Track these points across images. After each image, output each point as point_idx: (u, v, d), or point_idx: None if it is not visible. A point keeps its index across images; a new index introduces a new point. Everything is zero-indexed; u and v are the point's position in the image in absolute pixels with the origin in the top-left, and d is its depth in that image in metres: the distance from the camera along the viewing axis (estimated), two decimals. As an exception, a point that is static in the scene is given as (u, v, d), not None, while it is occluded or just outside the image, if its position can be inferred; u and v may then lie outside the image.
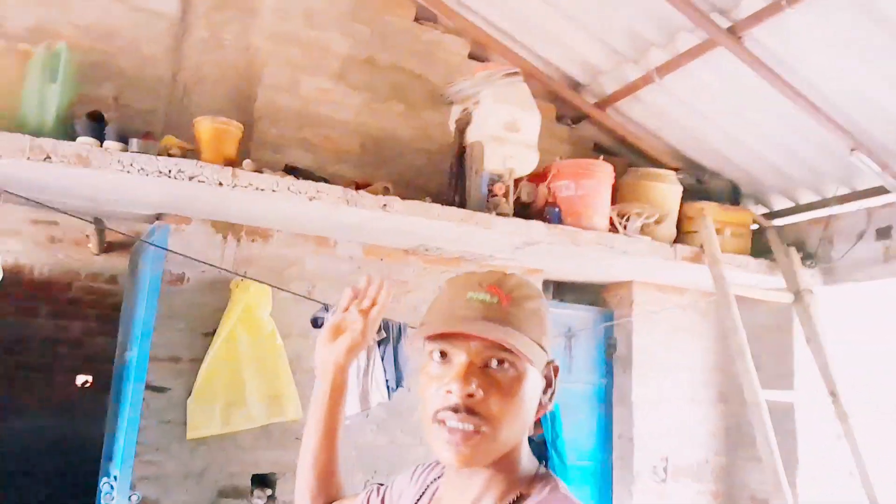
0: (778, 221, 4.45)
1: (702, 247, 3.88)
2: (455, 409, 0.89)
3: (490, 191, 3.41)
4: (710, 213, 3.95)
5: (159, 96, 3.31)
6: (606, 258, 3.68)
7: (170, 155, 2.64)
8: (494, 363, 0.91)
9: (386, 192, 3.19)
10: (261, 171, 2.78)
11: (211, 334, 3.13)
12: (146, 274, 2.65)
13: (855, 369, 3.93)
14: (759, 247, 4.23)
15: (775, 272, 4.06)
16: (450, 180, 3.66)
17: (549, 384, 0.99)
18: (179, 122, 3.25)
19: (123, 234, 3.15)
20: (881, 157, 3.60)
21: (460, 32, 4.05)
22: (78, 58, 3.05)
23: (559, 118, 4.41)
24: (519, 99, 3.60)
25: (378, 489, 1.20)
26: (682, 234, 4.09)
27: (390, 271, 3.64)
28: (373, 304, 1.20)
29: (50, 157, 2.44)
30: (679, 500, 4.37)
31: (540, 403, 0.98)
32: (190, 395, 3.04)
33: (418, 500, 1.10)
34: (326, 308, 2.98)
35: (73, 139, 2.55)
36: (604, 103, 4.20)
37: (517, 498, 0.94)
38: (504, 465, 0.95)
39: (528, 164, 3.56)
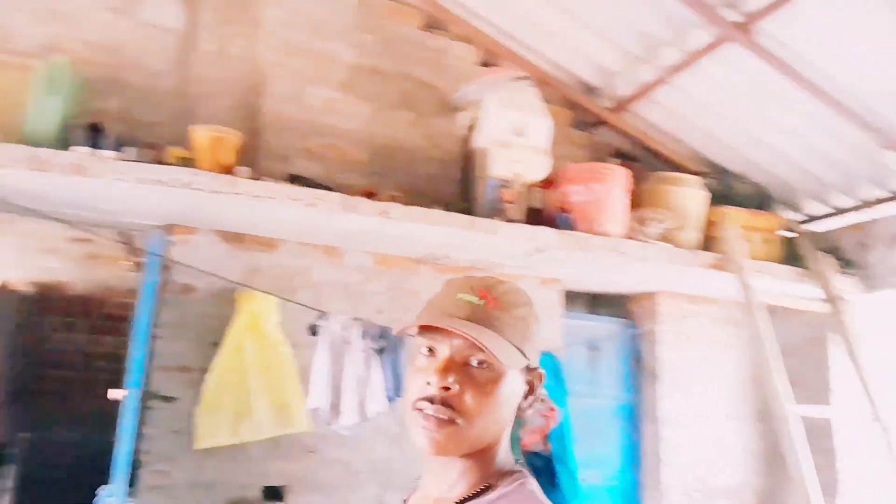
0: (811, 227, 4.23)
1: (728, 253, 3.71)
2: (431, 400, 0.95)
3: (498, 197, 3.34)
4: (733, 219, 3.78)
5: (166, 109, 3.36)
6: (620, 265, 3.55)
7: (165, 163, 2.66)
8: (475, 361, 0.97)
9: (393, 200, 3.16)
10: (258, 179, 2.78)
11: (219, 344, 3.13)
12: (146, 282, 2.67)
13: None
14: (792, 254, 4.02)
15: (807, 280, 3.84)
16: (459, 187, 3.61)
17: (531, 390, 1.03)
18: (186, 134, 3.30)
19: (129, 243, 3.19)
20: (915, 152, 3.40)
21: (469, 40, 4.02)
22: (86, 72, 3.13)
23: (576, 124, 4.32)
24: (526, 103, 3.54)
25: None
26: (708, 241, 3.93)
27: (399, 281, 3.59)
28: None
29: (47, 167, 2.49)
30: (713, 522, 4.14)
31: (519, 407, 1.02)
32: (198, 404, 3.04)
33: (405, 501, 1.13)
34: (324, 315, 2.94)
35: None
36: (619, 107, 4.10)
37: (485, 488, 0.99)
38: (480, 458, 1.00)
39: (537, 169, 3.48)
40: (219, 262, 3.25)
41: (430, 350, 0.99)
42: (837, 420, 3.88)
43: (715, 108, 3.79)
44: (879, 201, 3.84)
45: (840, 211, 4.08)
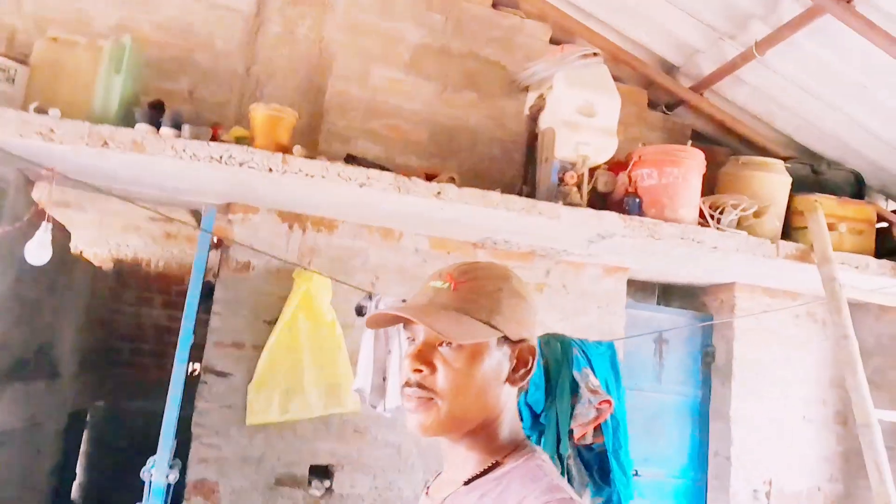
0: (911, 217, 3.86)
1: (812, 245, 3.43)
2: (408, 384, 1.01)
3: (561, 179, 3.19)
4: (821, 207, 3.48)
5: (232, 89, 3.38)
6: (693, 254, 3.34)
7: (221, 141, 2.66)
8: (445, 343, 0.99)
9: (451, 182, 3.07)
10: (313, 158, 2.75)
11: (274, 322, 3.15)
12: (196, 259, 2.70)
13: None
14: (887, 246, 3.68)
15: (902, 275, 3.51)
16: (521, 170, 3.48)
17: (521, 363, 1.04)
18: (239, 114, 3.32)
19: (183, 222, 3.24)
20: None
21: (542, 17, 3.86)
22: (155, 53, 3.20)
23: (652, 104, 4.09)
24: (596, 81, 3.35)
25: None
26: (791, 231, 3.65)
27: (457, 265, 3.51)
28: None
29: (107, 143, 2.54)
30: (784, 529, 3.89)
31: (512, 381, 1.03)
32: (251, 381, 3.07)
33: (426, 489, 1.17)
34: (370, 296, 2.90)
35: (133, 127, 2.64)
36: (701, 86, 3.84)
37: (492, 465, 1.01)
38: (480, 436, 1.02)
39: (605, 151, 3.30)
40: (277, 241, 3.27)
41: (413, 340, 1.04)
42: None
43: (806, 86, 3.48)
44: None
45: (945, 201, 3.70)
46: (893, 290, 3.54)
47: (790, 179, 3.66)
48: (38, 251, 2.40)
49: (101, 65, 2.76)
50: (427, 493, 1.13)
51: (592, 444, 2.75)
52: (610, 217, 3.11)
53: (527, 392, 3.00)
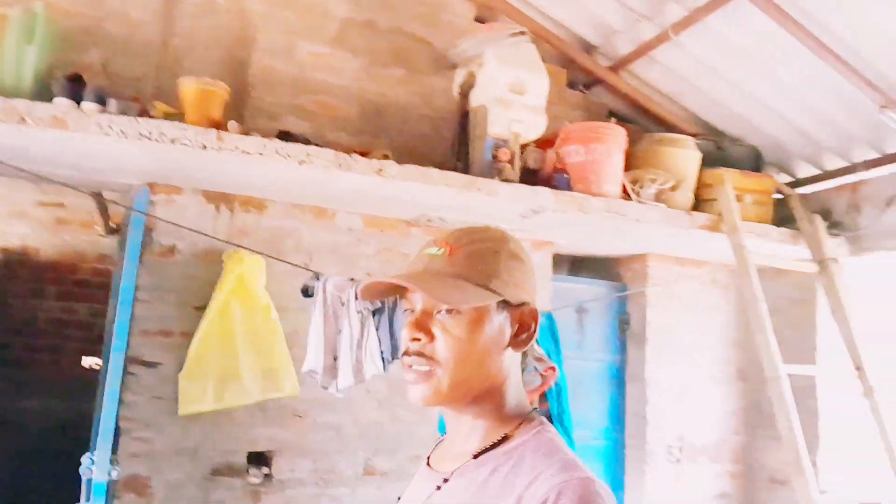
0: (802, 190, 4.22)
1: (720, 214, 3.68)
2: (407, 353, 0.99)
3: (494, 156, 3.24)
4: (729, 180, 3.74)
5: (149, 62, 3.17)
6: (618, 227, 3.50)
7: (150, 117, 2.50)
8: (443, 311, 0.97)
9: (385, 159, 3.04)
10: (248, 134, 2.64)
11: (203, 308, 3.02)
12: (130, 242, 2.53)
13: (881, 343, 3.72)
14: (782, 215, 4.01)
15: (798, 241, 3.84)
16: (452, 147, 3.50)
17: (522, 328, 1.02)
18: (171, 88, 3.12)
19: (117, 202, 3.03)
20: (914, 115, 3.37)
21: (465, -8, 3.87)
22: (65, 23, 2.94)
23: (571, 84, 4.21)
24: (525, 60, 3.42)
25: None
26: (700, 203, 3.89)
27: (390, 243, 3.50)
28: None
29: (25, 120, 2.33)
30: (695, 480, 4.20)
31: (515, 345, 1.01)
32: (181, 370, 2.94)
33: (427, 459, 1.14)
34: (317, 277, 2.84)
35: (51, 101, 2.43)
36: (617, 66, 3.99)
37: (502, 438, 0.98)
38: (486, 406, 1.00)
39: (535, 129, 3.38)
40: (204, 223, 3.11)
41: (411, 310, 1.02)
42: (821, 379, 3.93)
43: (716, 67, 3.70)
44: (872, 163, 3.82)
45: (832, 173, 4.06)
46: (789, 255, 3.87)
47: (700, 155, 3.89)
48: None
49: (6, 34, 2.50)
50: (428, 463, 1.10)
51: (538, 410, 2.84)
52: (543, 192, 3.20)
53: None
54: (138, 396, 2.94)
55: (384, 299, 1.09)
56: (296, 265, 2.99)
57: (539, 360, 2.77)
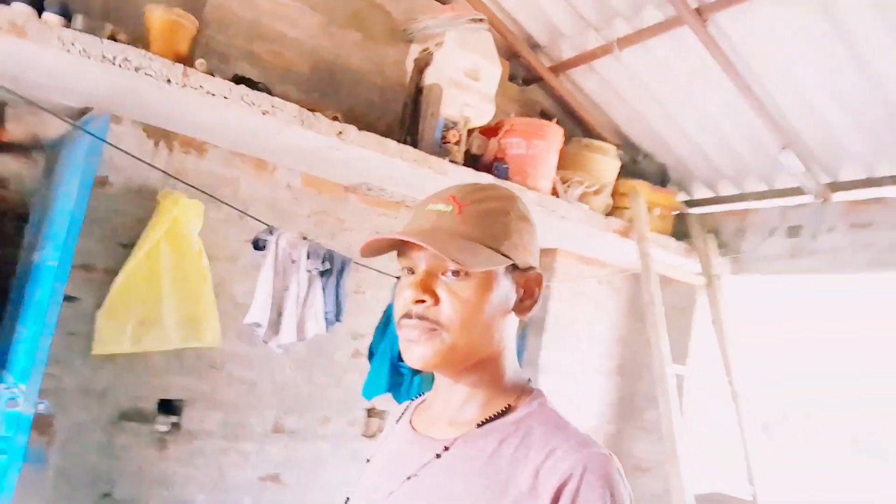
0: (696, 209, 4.65)
1: (631, 221, 3.99)
2: (409, 315, 0.94)
3: (443, 137, 3.33)
4: (643, 192, 4.06)
5: (99, -21, 2.94)
6: (545, 221, 3.70)
7: (117, 40, 2.36)
8: (450, 271, 0.93)
9: (335, 121, 3.03)
10: (213, 75, 2.55)
11: (129, 246, 2.88)
12: (76, 170, 2.37)
13: (749, 354, 4.22)
14: (679, 230, 4.41)
15: (691, 256, 4.26)
16: (402, 120, 3.54)
17: (527, 294, 0.99)
18: (122, 12, 2.93)
19: (75, 124, 2.80)
20: (806, 159, 3.82)
21: (426, -31, 3.89)
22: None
23: (511, 77, 4.36)
24: (482, 48, 3.52)
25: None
26: (613, 210, 4.19)
27: (327, 206, 3.49)
28: None
29: (-26, 19, 2.11)
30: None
31: (517, 312, 0.99)
32: (101, 307, 2.80)
33: (398, 420, 1.11)
34: (271, 231, 2.81)
35: (6, 4, 2.22)
36: (558, 68, 4.19)
37: (505, 409, 0.96)
38: (485, 374, 0.98)
39: (483, 115, 3.50)
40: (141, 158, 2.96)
41: (410, 270, 0.97)
42: (690, 380, 4.39)
43: (647, 86, 3.99)
44: (761, 195, 4.30)
45: (725, 198, 4.52)
46: (683, 266, 4.28)
47: (619, 164, 4.19)
48: None
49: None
50: (414, 425, 1.05)
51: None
52: (487, 179, 3.33)
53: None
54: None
55: (379, 255, 1.00)
56: (257, 220, 2.92)
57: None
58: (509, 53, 4.25)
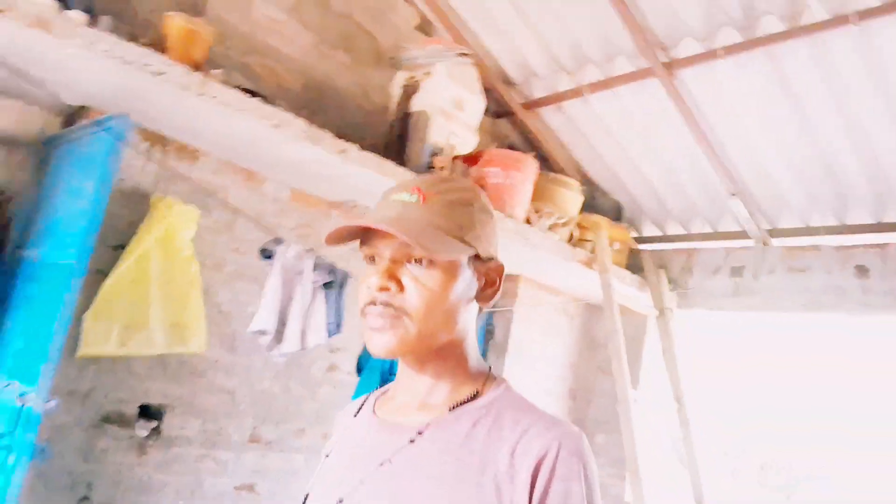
0: (645, 246, 4.97)
1: (593, 251, 4.25)
2: (373, 303, 0.95)
3: (430, 162, 3.48)
4: (605, 227, 4.33)
5: (103, -21, 2.97)
6: (517, 248, 3.90)
7: (137, 43, 2.41)
8: (413, 260, 0.94)
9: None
10: (241, 89, 2.63)
11: (120, 247, 2.88)
12: (91, 169, 2.38)
13: (695, 383, 4.53)
14: (632, 263, 4.71)
15: (644, 289, 4.55)
16: (387, 143, 3.67)
17: (489, 283, 1.01)
18: (123, 12, 2.96)
19: (105, 130, 2.77)
20: (750, 206, 4.20)
21: (411, 1, 4.08)
22: None
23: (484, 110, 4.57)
24: (468, 81, 3.72)
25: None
26: (575, 241, 4.44)
27: (311, 220, 3.57)
28: None
29: (4, 11, 2.13)
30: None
31: (477, 300, 1.01)
32: (88, 308, 2.77)
33: (356, 414, 1.10)
34: (279, 241, 2.87)
35: (32, -3, 2.24)
36: (529, 105, 4.44)
37: (474, 394, 0.98)
38: (449, 360, 0.99)
39: (467, 144, 3.69)
40: (133, 161, 2.97)
41: (372, 258, 0.98)
42: (644, 405, 4.65)
43: (609, 127, 4.29)
44: (706, 236, 4.66)
45: (671, 237, 4.86)
46: (637, 298, 4.57)
47: (582, 199, 4.46)
48: None
49: None
50: (378, 414, 1.05)
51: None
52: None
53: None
54: (31, 329, 2.71)
55: (344, 243, 1.00)
56: (262, 226, 2.97)
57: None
58: (483, 87, 4.47)
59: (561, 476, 0.87)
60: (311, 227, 3.56)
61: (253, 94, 2.89)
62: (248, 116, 2.64)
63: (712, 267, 4.59)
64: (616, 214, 4.90)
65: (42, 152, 2.86)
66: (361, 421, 1.07)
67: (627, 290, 4.49)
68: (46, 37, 2.22)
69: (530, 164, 3.89)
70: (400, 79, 3.81)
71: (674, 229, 4.86)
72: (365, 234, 0.98)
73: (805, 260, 4.17)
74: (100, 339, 2.79)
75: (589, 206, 4.71)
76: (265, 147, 2.95)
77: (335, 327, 2.88)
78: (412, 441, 0.96)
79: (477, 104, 3.73)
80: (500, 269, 1.02)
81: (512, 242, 3.77)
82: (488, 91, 4.48)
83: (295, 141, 2.81)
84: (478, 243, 0.97)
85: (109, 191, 2.38)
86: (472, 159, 3.84)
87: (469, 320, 1.01)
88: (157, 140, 3.05)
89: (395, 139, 3.63)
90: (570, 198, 4.34)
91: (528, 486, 0.87)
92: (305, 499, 1.04)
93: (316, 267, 2.84)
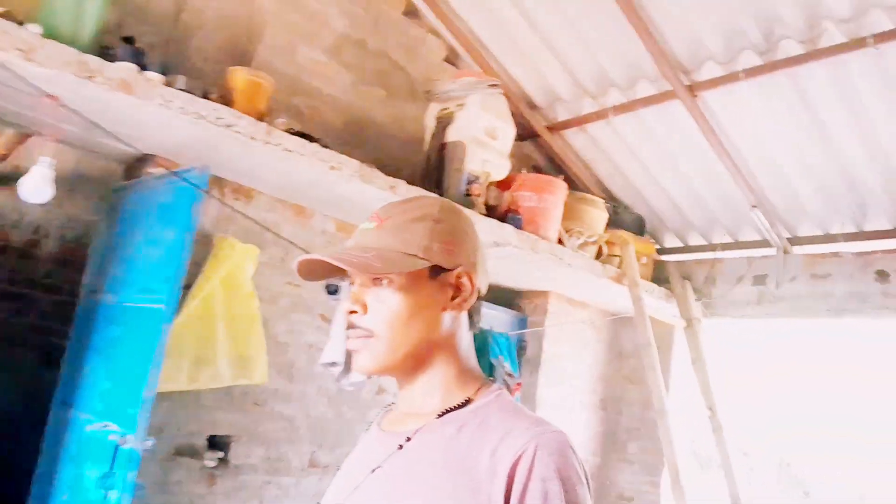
0: (667, 257, 5.13)
1: (620, 266, 4.41)
2: (350, 326, 1.01)
3: (467, 189, 3.64)
4: (632, 242, 4.49)
5: (160, 32, 3.13)
6: (554, 267, 4.05)
7: (209, 99, 2.57)
8: (376, 282, 0.99)
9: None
10: (293, 132, 2.79)
11: (186, 287, 3.02)
12: (172, 218, 2.54)
13: (722, 390, 4.68)
14: (656, 275, 4.86)
15: (671, 300, 4.70)
16: (425, 172, 3.83)
17: (457, 290, 1.02)
18: (178, 62, 3.12)
19: (186, 181, 2.93)
20: (771, 217, 4.36)
21: (438, 34, 4.25)
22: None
23: (508, 133, 4.74)
24: (499, 110, 3.88)
25: None
26: (603, 257, 4.60)
27: (358, 250, 3.72)
28: None
29: (93, 77, 2.29)
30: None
31: (447, 308, 1.01)
32: (160, 347, 2.92)
33: (369, 429, 1.15)
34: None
35: (111, 61, 2.40)
36: (553, 128, 4.61)
37: (466, 401, 0.99)
38: (436, 370, 1.02)
39: (500, 171, 3.85)
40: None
41: (352, 283, 1.04)
42: (675, 413, 4.80)
43: (632, 146, 4.45)
44: (727, 246, 4.82)
45: (693, 248, 5.02)
46: (664, 310, 4.72)
47: (607, 215, 4.62)
48: (38, 188, 2.07)
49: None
50: (381, 427, 1.09)
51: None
52: (507, 229, 3.66)
53: None
54: (108, 369, 2.86)
55: (319, 279, 1.11)
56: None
57: (510, 375, 3.21)
58: (512, 111, 4.63)
59: (539, 476, 0.86)
60: (357, 257, 3.71)
61: (311, 138, 3.06)
62: (308, 160, 2.80)
63: (735, 276, 4.74)
64: (638, 227, 5.05)
65: (111, 199, 3.01)
66: (370, 434, 1.12)
67: (655, 303, 4.64)
68: (129, 98, 2.38)
69: (560, 187, 4.05)
70: (433, 110, 3.97)
71: (695, 240, 5.02)
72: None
73: (826, 266, 4.33)
74: (172, 375, 2.93)
75: (612, 221, 4.86)
76: (323, 187, 3.11)
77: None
78: (401, 447, 0.99)
79: (508, 131, 3.89)
80: (466, 274, 1.02)
81: (547, 262, 3.92)
82: (513, 115, 4.65)
83: (350, 180, 2.96)
84: (432, 255, 0.99)
85: (193, 238, 2.52)
86: (505, 184, 4.00)
87: (446, 329, 1.02)
88: (215, 182, 3.20)
89: (431, 168, 3.79)
90: (597, 216, 4.51)
91: (505, 486, 0.87)
92: None
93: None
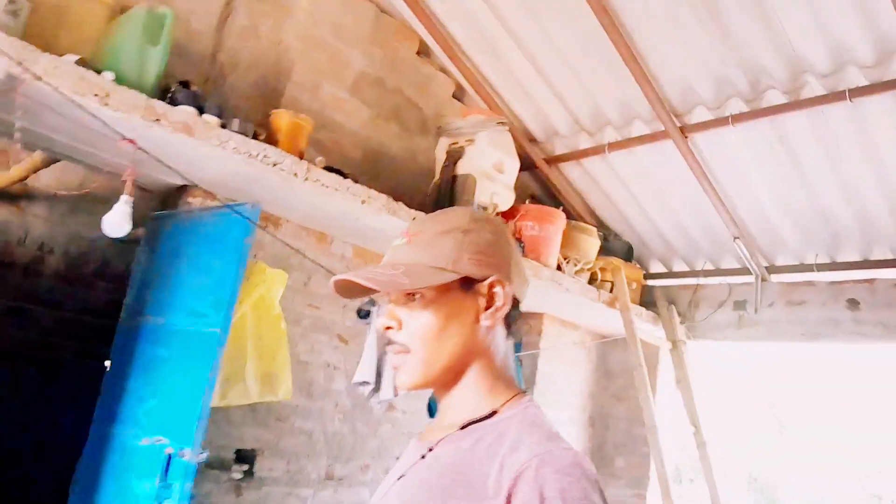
0: (653, 282, 5.45)
1: (612, 291, 4.71)
2: (389, 342, 1.04)
3: (477, 220, 3.90)
4: (623, 268, 4.80)
5: (199, 72, 3.36)
6: (550, 291, 4.33)
7: (258, 139, 2.79)
8: (410, 297, 1.01)
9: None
10: (330, 169, 3.03)
11: (220, 310, 3.23)
12: (224, 248, 2.76)
13: (709, 411, 4.99)
14: (644, 299, 5.18)
15: (657, 323, 5.02)
16: (435, 201, 4.09)
17: (490, 301, 1.02)
18: (213, 101, 3.34)
19: (243, 216, 3.14)
20: (751, 247, 4.71)
21: (447, 72, 4.53)
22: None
23: (508, 163, 5.02)
24: (505, 145, 4.16)
25: None
26: (595, 282, 4.89)
27: (373, 275, 3.96)
28: None
29: (160, 120, 2.51)
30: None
31: (480, 320, 1.02)
32: (195, 366, 3.11)
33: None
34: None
35: (173, 105, 2.62)
36: (550, 160, 4.91)
37: (492, 413, 0.99)
38: (470, 381, 1.02)
39: (506, 202, 4.13)
40: (227, 230, 3.34)
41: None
42: (661, 430, 5.09)
43: (624, 180, 4.77)
44: (709, 272, 5.16)
45: (677, 274, 5.35)
46: (651, 332, 5.03)
47: (599, 243, 4.92)
48: (119, 224, 2.28)
49: (128, 29, 2.65)
50: (419, 437, 1.11)
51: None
52: (514, 257, 3.92)
53: None
54: (147, 386, 3.05)
55: (360, 296, 1.12)
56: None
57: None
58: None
59: (538, 494, 0.84)
60: (372, 281, 3.95)
61: (343, 174, 3.31)
62: (342, 195, 3.04)
63: (717, 301, 5.08)
64: (626, 254, 5.37)
65: (152, 227, 3.21)
66: (410, 444, 1.14)
67: (643, 325, 4.95)
68: (189, 139, 2.60)
69: (560, 218, 4.35)
70: (443, 144, 4.24)
71: (679, 266, 5.35)
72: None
73: (801, 294, 4.68)
74: (206, 392, 3.13)
75: (603, 248, 5.17)
76: (350, 218, 3.34)
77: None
78: (423, 457, 1.01)
79: (513, 165, 4.17)
80: (499, 283, 1.01)
81: (547, 288, 4.20)
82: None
83: (377, 213, 3.21)
84: (461, 266, 0.99)
85: (245, 267, 2.74)
86: (509, 214, 4.28)
87: (481, 341, 1.02)
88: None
89: (442, 198, 4.05)
90: (591, 243, 4.81)
91: (505, 501, 0.86)
92: None
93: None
